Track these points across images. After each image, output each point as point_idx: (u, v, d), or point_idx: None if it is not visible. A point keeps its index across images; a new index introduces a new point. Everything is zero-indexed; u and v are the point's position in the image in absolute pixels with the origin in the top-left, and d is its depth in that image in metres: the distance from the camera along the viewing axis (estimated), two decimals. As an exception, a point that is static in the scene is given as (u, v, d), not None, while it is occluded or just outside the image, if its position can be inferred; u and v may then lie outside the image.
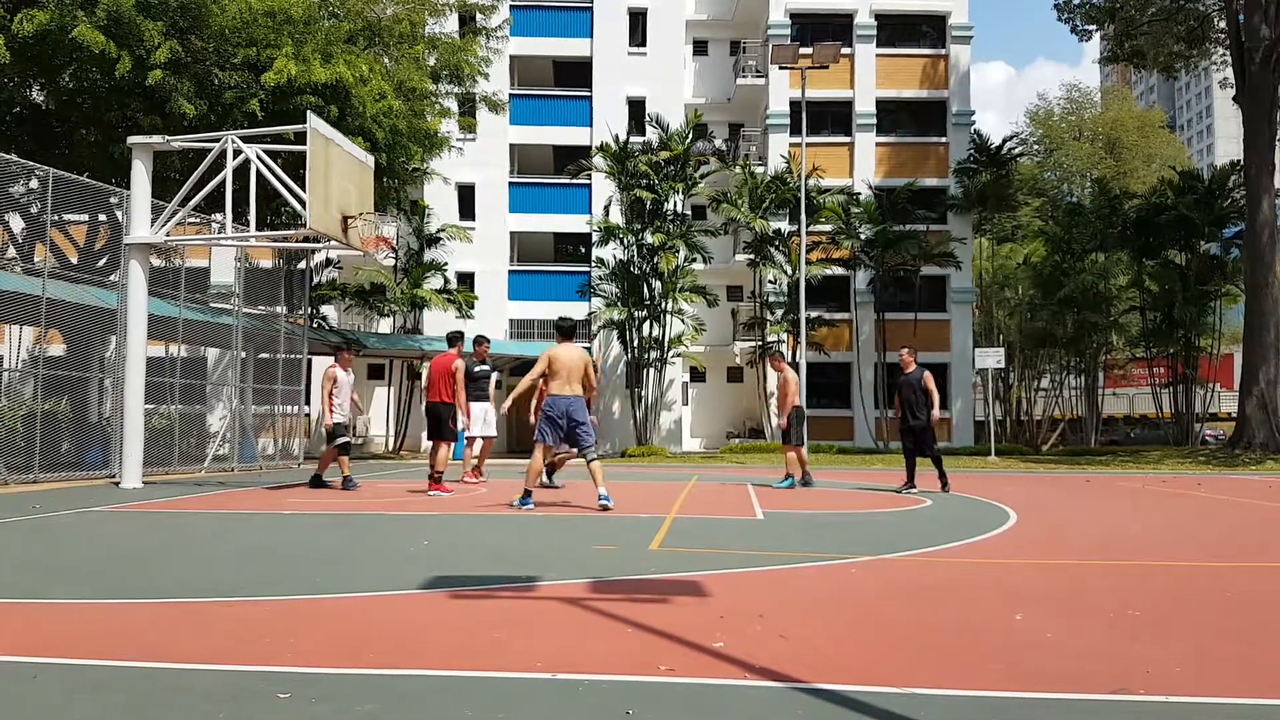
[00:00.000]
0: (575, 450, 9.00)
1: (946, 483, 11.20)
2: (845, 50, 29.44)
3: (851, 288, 30.18)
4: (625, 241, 26.58)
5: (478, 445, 12.21)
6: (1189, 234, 28.41)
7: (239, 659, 3.18)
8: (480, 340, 12.14)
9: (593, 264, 28.68)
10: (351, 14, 17.08)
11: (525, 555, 5.79)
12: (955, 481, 14.08)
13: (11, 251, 14.80)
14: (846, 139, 30.87)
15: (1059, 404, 36.16)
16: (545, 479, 10.83)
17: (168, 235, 11.76)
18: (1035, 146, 47.53)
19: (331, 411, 11.10)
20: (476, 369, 11.80)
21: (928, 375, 10.98)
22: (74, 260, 15.61)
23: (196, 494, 10.47)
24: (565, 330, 8.95)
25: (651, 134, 27.19)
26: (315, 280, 24.53)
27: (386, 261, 26.82)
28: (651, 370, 27.59)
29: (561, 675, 2.98)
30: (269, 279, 17.81)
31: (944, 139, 31.03)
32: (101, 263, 15.99)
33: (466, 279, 29.23)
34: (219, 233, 13.91)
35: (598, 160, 27.17)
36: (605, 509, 8.37)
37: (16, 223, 15.18)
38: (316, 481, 11.21)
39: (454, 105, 22.26)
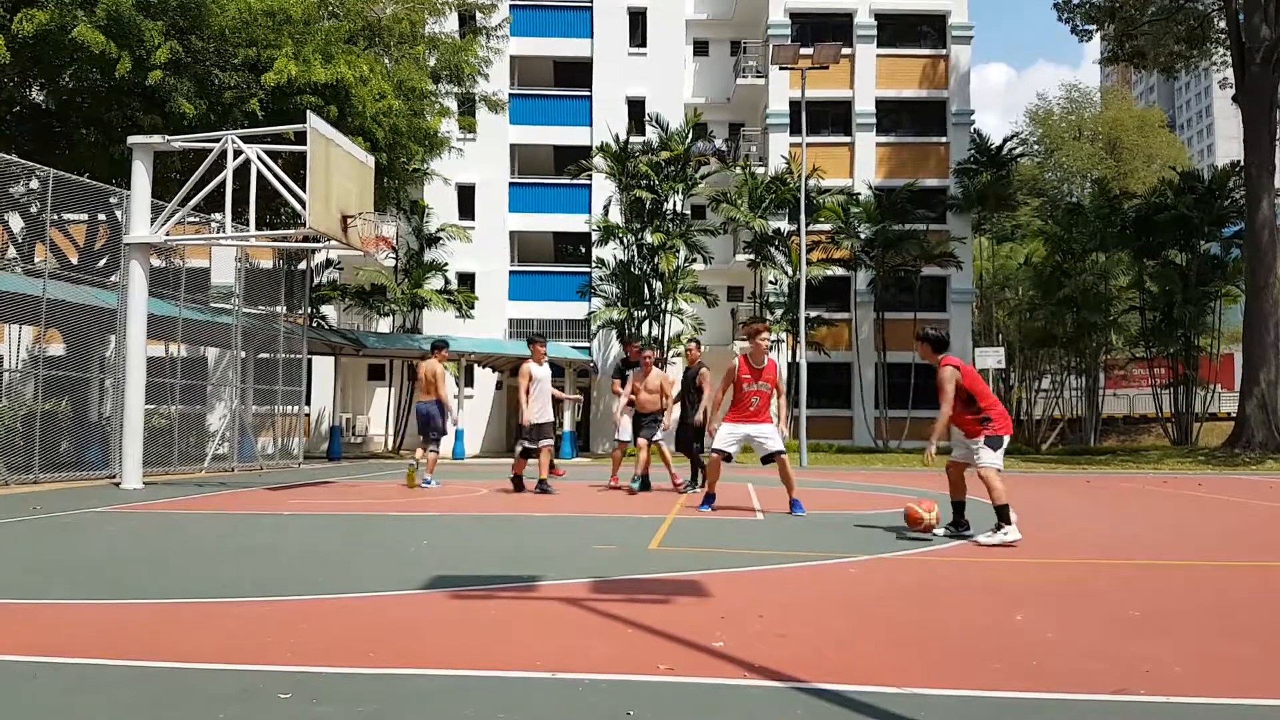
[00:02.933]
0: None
1: (695, 483, 10.70)
2: (845, 50, 29.42)
3: (851, 288, 30.18)
4: (625, 241, 26.58)
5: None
6: (1189, 234, 28.40)
7: (240, 659, 3.18)
8: (629, 342, 12.16)
9: (593, 264, 28.68)
10: (351, 14, 17.08)
11: (525, 555, 5.79)
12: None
13: (11, 251, 14.78)
14: (846, 139, 30.88)
15: (1059, 404, 36.15)
16: (638, 484, 11.07)
17: (168, 235, 11.76)
18: (1035, 146, 47.51)
19: (528, 409, 10.33)
20: (628, 373, 11.40)
21: (704, 372, 10.70)
22: (74, 260, 15.60)
23: (197, 494, 10.46)
24: (432, 347, 11.90)
25: (651, 134, 27.19)
26: (315, 280, 24.54)
27: (386, 261, 26.83)
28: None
29: (561, 675, 2.98)
30: (269, 279, 17.80)
31: (944, 139, 31.04)
32: (101, 263, 15.98)
33: (467, 279, 29.22)
34: (219, 233, 13.90)
35: (598, 160, 27.16)
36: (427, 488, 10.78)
37: (16, 223, 15.17)
38: (542, 486, 10.50)
39: (454, 105, 22.26)
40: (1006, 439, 6.60)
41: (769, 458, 8.19)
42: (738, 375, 8.24)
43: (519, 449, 10.51)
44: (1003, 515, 6.39)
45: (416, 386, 10.52)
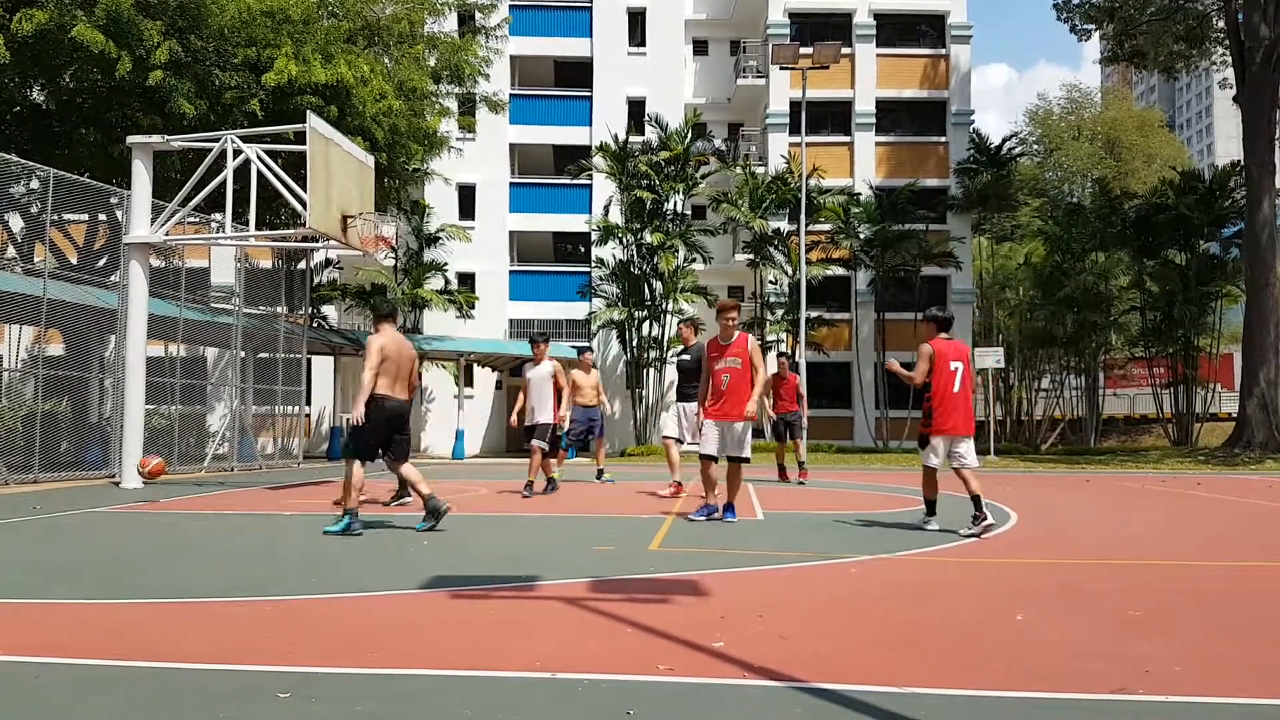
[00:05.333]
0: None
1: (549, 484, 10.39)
2: (845, 50, 29.42)
3: (851, 288, 30.18)
4: (625, 241, 26.59)
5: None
6: (1189, 234, 28.39)
7: (239, 659, 3.18)
8: (687, 322, 10.49)
9: (593, 264, 28.69)
10: (351, 14, 17.07)
11: (525, 555, 5.79)
12: (955, 482, 14.04)
13: (11, 251, 14.79)
14: (846, 139, 30.87)
15: (1059, 404, 36.15)
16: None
17: (168, 235, 11.77)
18: (1035, 146, 47.48)
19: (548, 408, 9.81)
20: (683, 359, 10.01)
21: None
22: (74, 260, 15.61)
23: (196, 494, 10.46)
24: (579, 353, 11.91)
25: (651, 134, 27.20)
26: (315, 280, 24.55)
27: (386, 261, 26.83)
28: (651, 370, 27.58)
29: (561, 675, 2.98)
30: (269, 279, 17.81)
31: (944, 139, 31.03)
32: (101, 263, 15.99)
33: (467, 279, 29.23)
34: (219, 233, 13.91)
35: (598, 160, 27.17)
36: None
37: (16, 223, 15.18)
38: (549, 485, 10.32)
39: (454, 105, 22.27)
40: (937, 440, 6.98)
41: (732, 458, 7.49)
42: (706, 355, 7.63)
43: (539, 443, 9.86)
44: (929, 508, 7.25)
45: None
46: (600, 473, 12.93)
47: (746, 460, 7.56)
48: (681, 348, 10.20)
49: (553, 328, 29.61)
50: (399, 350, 6.92)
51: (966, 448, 7.05)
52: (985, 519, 6.86)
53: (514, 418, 10.27)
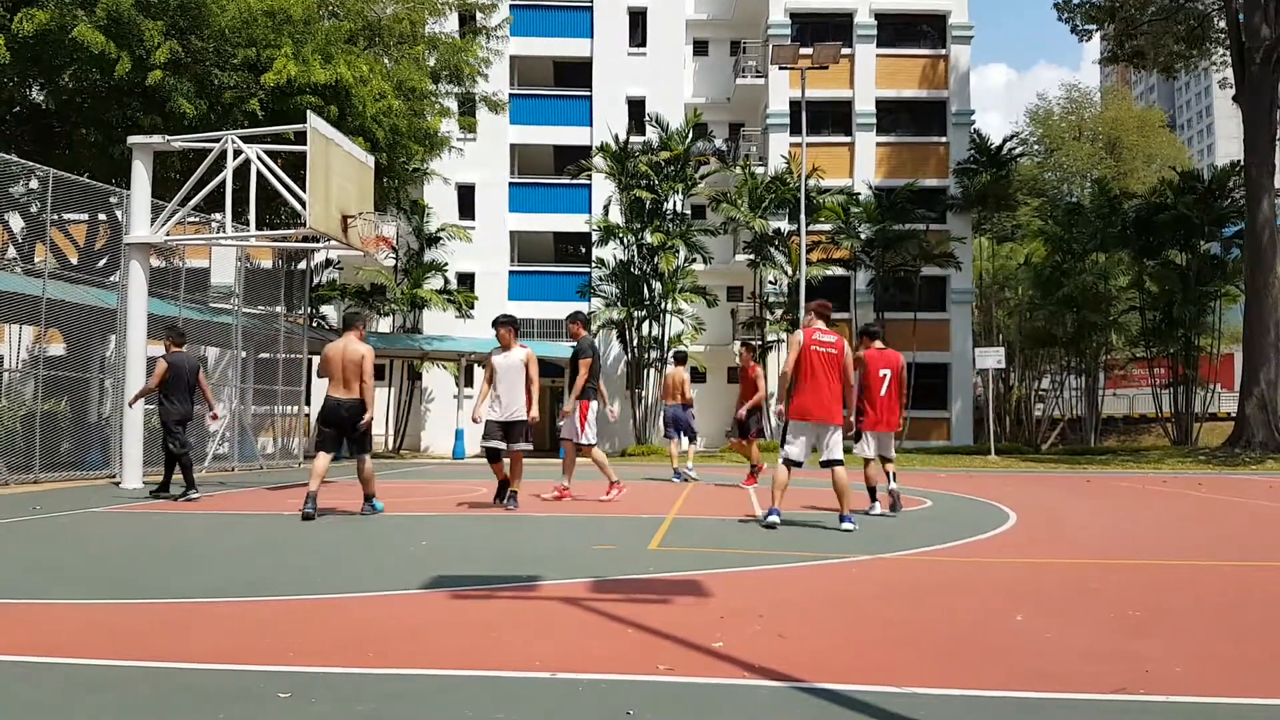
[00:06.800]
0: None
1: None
2: (845, 50, 29.42)
3: (851, 288, 30.17)
4: (625, 241, 26.60)
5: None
6: (1189, 234, 28.39)
7: (239, 659, 3.18)
8: (574, 318, 9.53)
9: (593, 264, 28.69)
10: (351, 14, 17.08)
11: (525, 555, 5.79)
12: (955, 482, 14.07)
13: (11, 251, 14.78)
14: (846, 139, 30.87)
15: (1059, 404, 36.16)
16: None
17: (168, 235, 11.77)
18: (1035, 147, 47.50)
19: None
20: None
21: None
22: (74, 260, 15.60)
23: (196, 493, 10.44)
24: (678, 359, 13.51)
25: (651, 134, 27.21)
26: (315, 280, 24.56)
27: (386, 261, 26.84)
28: (651, 370, 27.58)
29: (561, 675, 2.98)
30: (269, 279, 17.80)
31: (944, 139, 31.04)
32: (101, 263, 15.98)
33: (467, 279, 29.24)
34: (219, 233, 13.90)
35: (598, 160, 27.18)
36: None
37: (16, 223, 15.17)
38: (504, 495, 8.94)
39: (454, 105, 22.27)
40: (867, 434, 8.24)
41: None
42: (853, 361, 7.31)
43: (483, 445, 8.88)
44: (870, 494, 8.26)
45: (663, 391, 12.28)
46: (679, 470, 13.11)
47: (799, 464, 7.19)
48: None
49: (553, 327, 29.61)
50: (339, 355, 7.89)
51: (887, 442, 8.34)
52: (874, 508, 8.21)
53: (476, 410, 8.73)
